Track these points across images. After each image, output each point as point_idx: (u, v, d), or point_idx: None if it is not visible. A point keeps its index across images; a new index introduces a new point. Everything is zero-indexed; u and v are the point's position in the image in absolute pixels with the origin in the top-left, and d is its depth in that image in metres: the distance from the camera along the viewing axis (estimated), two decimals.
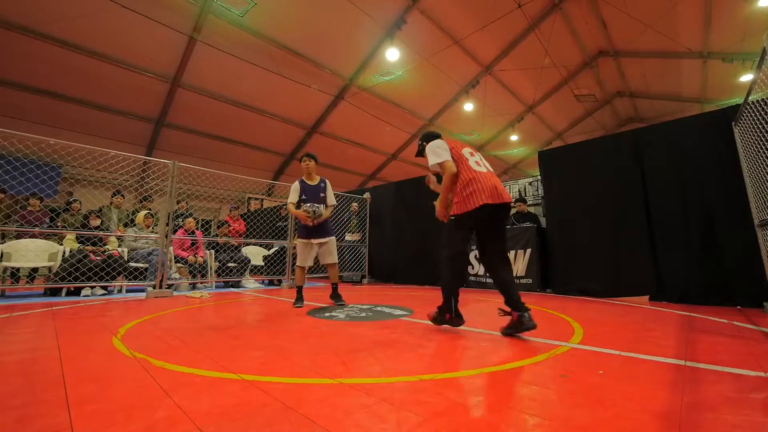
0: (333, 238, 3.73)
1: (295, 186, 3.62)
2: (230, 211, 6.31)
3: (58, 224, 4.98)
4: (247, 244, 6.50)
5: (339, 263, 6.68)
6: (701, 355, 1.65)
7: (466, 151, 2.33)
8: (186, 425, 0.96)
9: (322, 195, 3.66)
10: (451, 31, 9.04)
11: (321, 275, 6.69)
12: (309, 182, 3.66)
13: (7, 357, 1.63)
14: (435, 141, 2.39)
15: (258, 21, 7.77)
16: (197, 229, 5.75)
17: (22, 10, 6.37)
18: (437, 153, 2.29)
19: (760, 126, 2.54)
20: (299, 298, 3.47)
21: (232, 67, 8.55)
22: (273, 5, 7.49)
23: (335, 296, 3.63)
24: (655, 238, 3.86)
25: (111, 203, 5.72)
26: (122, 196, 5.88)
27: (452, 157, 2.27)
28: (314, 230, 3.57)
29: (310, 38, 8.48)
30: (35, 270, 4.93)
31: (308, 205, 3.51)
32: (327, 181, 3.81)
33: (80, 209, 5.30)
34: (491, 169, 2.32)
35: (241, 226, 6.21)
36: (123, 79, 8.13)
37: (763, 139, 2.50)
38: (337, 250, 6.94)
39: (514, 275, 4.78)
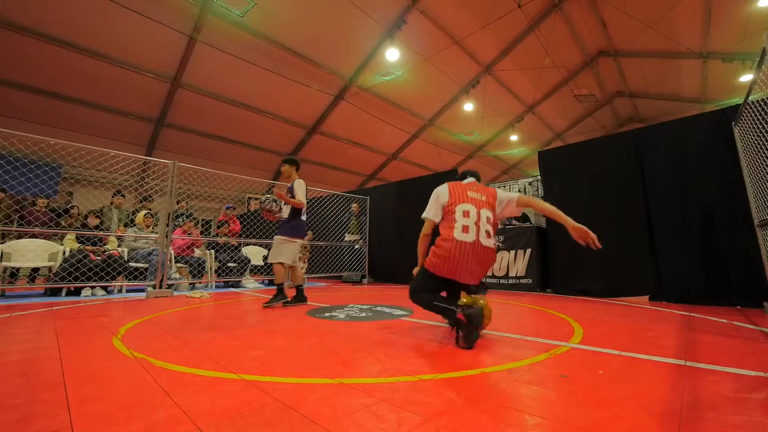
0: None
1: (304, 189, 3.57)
2: (226, 210, 6.25)
3: (62, 224, 4.97)
4: (248, 244, 6.49)
5: (340, 263, 6.73)
6: (701, 355, 1.65)
7: (461, 209, 2.02)
8: (186, 425, 0.96)
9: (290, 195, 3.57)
10: (451, 31, 9.03)
11: (321, 275, 6.70)
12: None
13: (7, 357, 1.63)
14: (440, 187, 2.17)
15: (258, 21, 7.76)
16: (194, 228, 5.74)
17: (22, 10, 6.37)
18: (429, 203, 2.15)
19: (760, 126, 2.54)
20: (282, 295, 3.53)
21: (232, 67, 8.55)
22: (273, 5, 7.49)
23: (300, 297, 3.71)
24: (655, 238, 3.86)
25: (111, 203, 5.72)
26: (123, 196, 5.88)
27: (443, 209, 2.07)
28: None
29: (310, 38, 8.48)
30: (35, 270, 4.93)
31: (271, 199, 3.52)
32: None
33: (80, 214, 5.30)
34: (486, 234, 2.00)
35: (237, 225, 6.19)
36: (123, 79, 8.13)
37: (763, 139, 2.50)
38: (338, 250, 6.95)
39: (515, 275, 4.86)
